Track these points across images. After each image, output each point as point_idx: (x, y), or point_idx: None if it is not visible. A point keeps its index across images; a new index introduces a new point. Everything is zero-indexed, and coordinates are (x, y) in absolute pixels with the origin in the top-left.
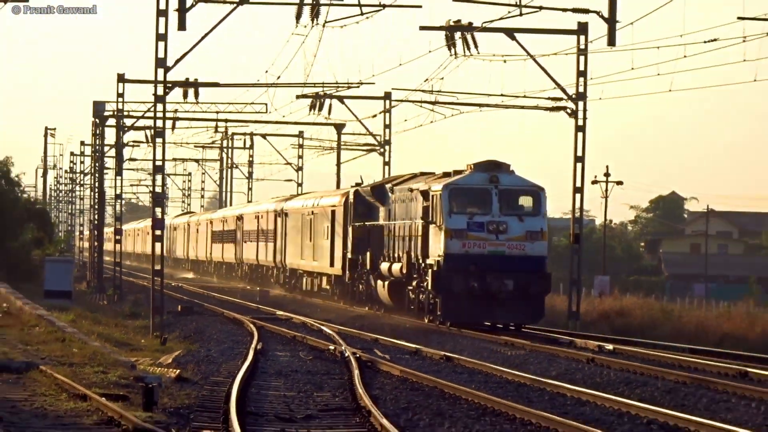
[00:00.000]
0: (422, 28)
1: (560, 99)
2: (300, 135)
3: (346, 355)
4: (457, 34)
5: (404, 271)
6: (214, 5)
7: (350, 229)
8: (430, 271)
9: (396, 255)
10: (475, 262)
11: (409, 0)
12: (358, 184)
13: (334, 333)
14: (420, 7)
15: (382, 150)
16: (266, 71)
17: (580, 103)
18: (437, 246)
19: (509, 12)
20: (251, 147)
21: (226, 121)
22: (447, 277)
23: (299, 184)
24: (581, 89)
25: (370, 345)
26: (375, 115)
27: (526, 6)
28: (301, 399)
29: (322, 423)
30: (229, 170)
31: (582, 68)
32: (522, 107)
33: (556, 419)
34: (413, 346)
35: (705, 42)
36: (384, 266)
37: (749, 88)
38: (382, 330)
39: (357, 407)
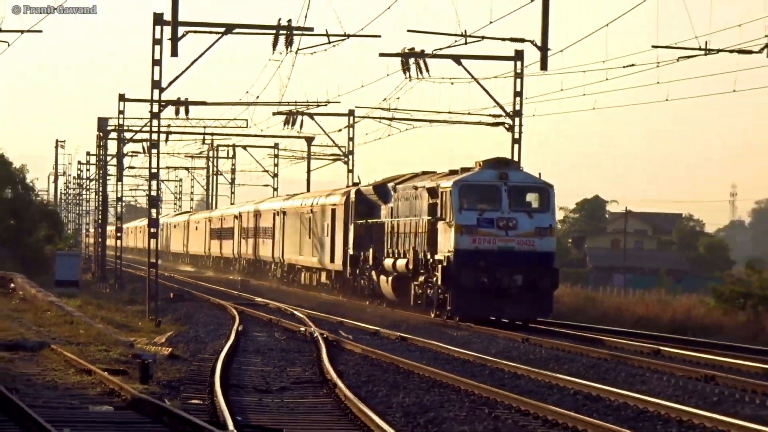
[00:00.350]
0: (381, 54)
1: (500, 116)
2: (276, 146)
3: (315, 335)
4: (411, 60)
5: (410, 266)
6: (201, 35)
7: (352, 227)
8: (439, 266)
9: (400, 251)
10: (485, 258)
11: (369, 30)
12: (356, 184)
13: (304, 316)
14: (379, 36)
15: (346, 159)
16: (247, 91)
17: (517, 119)
18: (447, 242)
19: (456, 41)
20: (233, 157)
21: (212, 134)
22: (457, 272)
23: (275, 189)
24: (518, 107)
25: (336, 327)
26: (340, 130)
27: (470, 36)
28: (276, 373)
29: (294, 394)
30: (215, 177)
31: (518, 89)
32: (467, 123)
33: (496, 390)
34: (373, 327)
35: (624, 67)
36: (388, 262)
37: (662, 107)
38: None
39: (324, 380)
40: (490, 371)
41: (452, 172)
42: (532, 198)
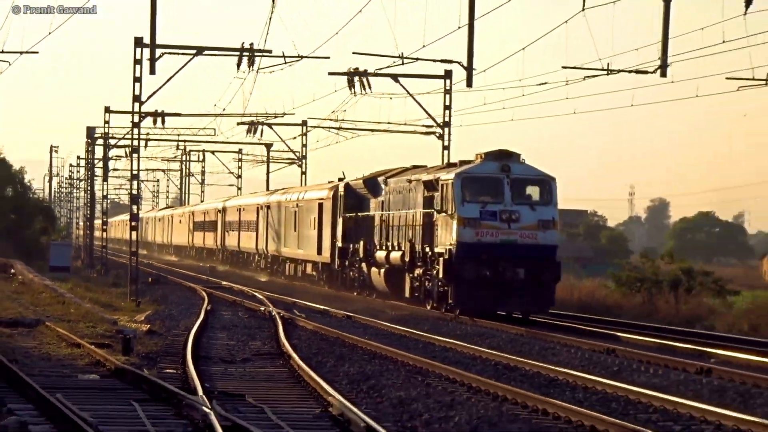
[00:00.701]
0: (330, 73)
1: (431, 126)
2: (239, 151)
3: (273, 314)
4: (356, 78)
5: (406, 258)
6: (176, 56)
7: (340, 220)
8: (441, 259)
9: (394, 243)
10: (488, 251)
11: (320, 52)
12: (340, 179)
13: (264, 298)
14: (328, 57)
15: (300, 163)
16: (215, 104)
17: (446, 129)
18: (448, 234)
19: (394, 62)
20: (203, 160)
21: (185, 141)
22: (459, 265)
23: (239, 188)
24: (447, 119)
25: (291, 307)
26: (295, 137)
27: (406, 57)
28: (240, 346)
29: (255, 364)
30: (187, 178)
31: (447, 103)
32: (404, 132)
33: (427, 361)
34: (321, 307)
35: (538, 84)
36: (380, 254)
37: (570, 119)
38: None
39: (281, 352)
40: (423, 345)
41: (450, 165)
42: (534, 190)
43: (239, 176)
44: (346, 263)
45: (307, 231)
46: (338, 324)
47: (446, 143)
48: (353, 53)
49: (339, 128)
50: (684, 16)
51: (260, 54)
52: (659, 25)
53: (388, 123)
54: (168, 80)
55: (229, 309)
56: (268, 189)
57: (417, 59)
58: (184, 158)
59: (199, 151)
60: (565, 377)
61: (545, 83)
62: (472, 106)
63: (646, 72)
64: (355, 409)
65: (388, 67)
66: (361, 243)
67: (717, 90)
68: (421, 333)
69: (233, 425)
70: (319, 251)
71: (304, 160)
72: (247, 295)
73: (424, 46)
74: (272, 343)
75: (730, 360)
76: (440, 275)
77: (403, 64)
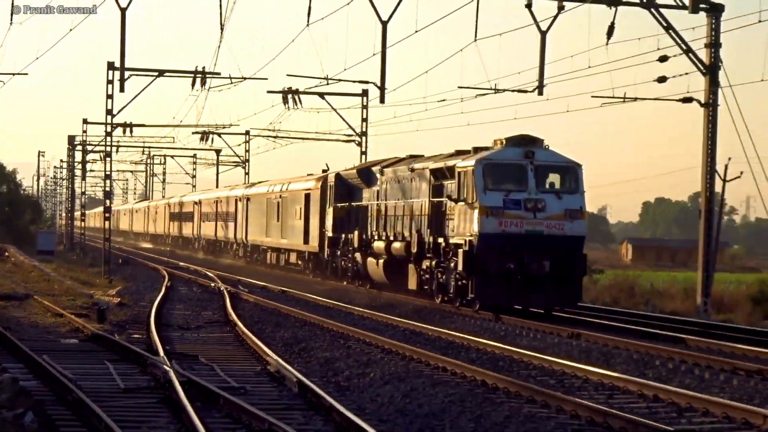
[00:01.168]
0: (268, 91)
1: (351, 135)
2: (194, 156)
3: (221, 289)
4: (289, 96)
5: (413, 250)
6: (141, 77)
7: (331, 210)
8: (459, 251)
9: (392, 234)
10: (512, 242)
11: (260, 74)
12: (324, 171)
13: (214, 276)
14: (267, 78)
15: (243, 165)
16: (173, 117)
17: (364, 138)
18: (468, 225)
19: (320, 82)
20: (164, 163)
21: (149, 147)
22: (482, 257)
23: (193, 186)
24: (364, 129)
25: (236, 284)
26: (239, 144)
27: (331, 78)
28: (194, 316)
29: (207, 330)
30: (151, 178)
31: (364, 117)
32: (328, 140)
33: (348, 327)
34: (261, 283)
35: (438, 101)
36: (379, 244)
37: (464, 130)
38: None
39: (227, 320)
40: (345, 314)
41: (460, 153)
42: (560, 178)
43: (194, 176)
44: (338, 253)
45: (292, 221)
46: (275, 297)
47: (363, 149)
48: (287, 75)
49: (276, 137)
50: (557, 46)
51: (211, 75)
52: (537, 52)
53: (316, 132)
54: (135, 97)
55: (186, 285)
56: (217, 187)
57: (339, 80)
58: (148, 161)
59: (161, 155)
60: (461, 340)
61: (444, 100)
62: (384, 119)
63: (526, 91)
64: (288, 367)
65: (315, 86)
66: (356, 233)
67: (584, 106)
68: (342, 304)
69: (188, 380)
70: (306, 241)
71: (247, 164)
72: (200, 274)
73: (345, 69)
74: (221, 313)
75: (595, 325)
76: (459, 268)
77: (327, 84)
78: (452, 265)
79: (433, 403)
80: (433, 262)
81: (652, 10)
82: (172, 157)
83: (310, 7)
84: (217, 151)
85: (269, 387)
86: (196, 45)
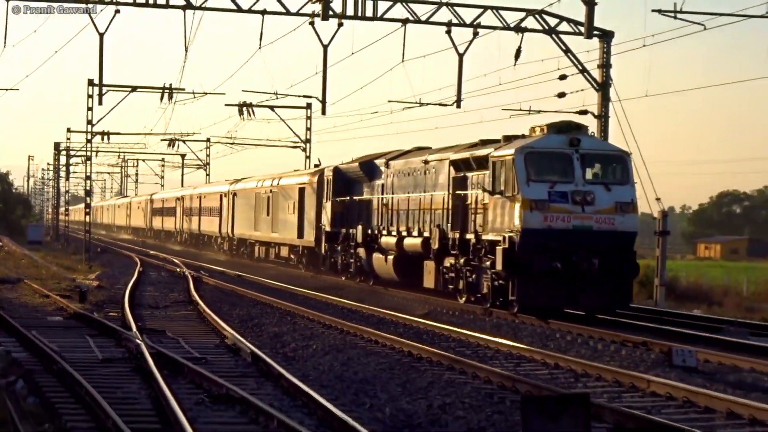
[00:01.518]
0: (226, 104)
1: (297, 142)
2: (162, 160)
3: (185, 274)
4: (244, 108)
5: (434, 246)
6: (117, 92)
7: (329, 204)
8: (498, 249)
9: (406, 229)
10: (558, 239)
11: (219, 89)
12: (316, 166)
13: (179, 263)
14: (224, 93)
15: (205, 168)
16: (144, 126)
17: (308, 145)
18: (507, 219)
19: (271, 96)
20: (137, 166)
21: (125, 152)
22: (527, 255)
23: (162, 186)
24: (308, 137)
25: (198, 269)
26: (201, 150)
27: (280, 93)
28: (162, 297)
29: (173, 309)
30: (125, 179)
31: (309, 126)
32: (278, 146)
33: (294, 306)
34: (220, 269)
35: (371, 113)
36: (388, 240)
37: (394, 138)
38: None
39: (191, 300)
40: (291, 294)
41: (486, 142)
42: (609, 168)
43: (162, 177)
44: (337, 248)
45: (284, 215)
46: (231, 280)
47: (308, 154)
48: (242, 90)
49: (233, 143)
50: (473, 66)
51: (177, 91)
52: (456, 71)
53: (267, 140)
54: (112, 109)
55: (155, 270)
56: (182, 186)
57: (287, 95)
58: (123, 165)
59: (134, 159)
60: (390, 317)
61: (376, 112)
62: (325, 128)
63: (446, 105)
64: (243, 340)
65: (266, 100)
66: (359, 228)
67: (495, 118)
68: (289, 286)
69: (157, 352)
70: (300, 235)
71: (207, 166)
72: (168, 261)
73: (291, 85)
74: (185, 294)
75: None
76: (497, 267)
77: (277, 98)
78: (487, 263)
79: (367, 370)
80: (461, 260)
81: (554, 36)
82: (143, 160)
83: (261, 33)
84: (182, 156)
85: (227, 357)
86: (164, 63)
